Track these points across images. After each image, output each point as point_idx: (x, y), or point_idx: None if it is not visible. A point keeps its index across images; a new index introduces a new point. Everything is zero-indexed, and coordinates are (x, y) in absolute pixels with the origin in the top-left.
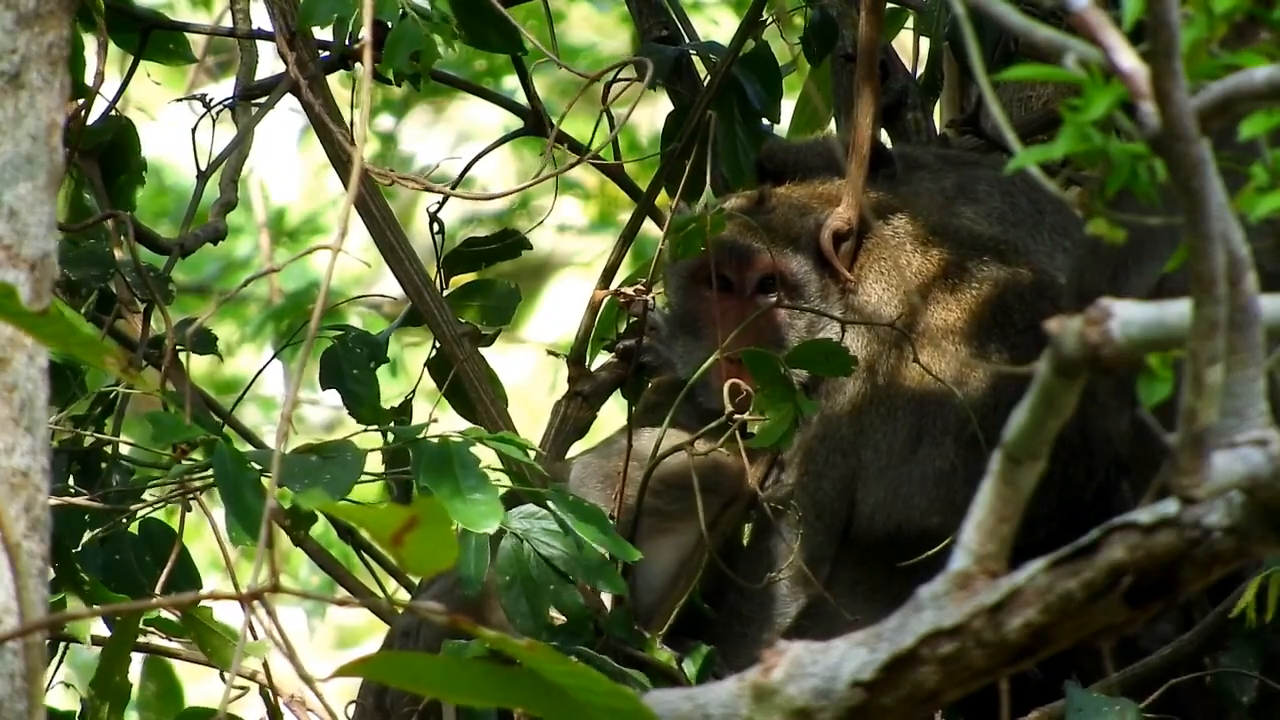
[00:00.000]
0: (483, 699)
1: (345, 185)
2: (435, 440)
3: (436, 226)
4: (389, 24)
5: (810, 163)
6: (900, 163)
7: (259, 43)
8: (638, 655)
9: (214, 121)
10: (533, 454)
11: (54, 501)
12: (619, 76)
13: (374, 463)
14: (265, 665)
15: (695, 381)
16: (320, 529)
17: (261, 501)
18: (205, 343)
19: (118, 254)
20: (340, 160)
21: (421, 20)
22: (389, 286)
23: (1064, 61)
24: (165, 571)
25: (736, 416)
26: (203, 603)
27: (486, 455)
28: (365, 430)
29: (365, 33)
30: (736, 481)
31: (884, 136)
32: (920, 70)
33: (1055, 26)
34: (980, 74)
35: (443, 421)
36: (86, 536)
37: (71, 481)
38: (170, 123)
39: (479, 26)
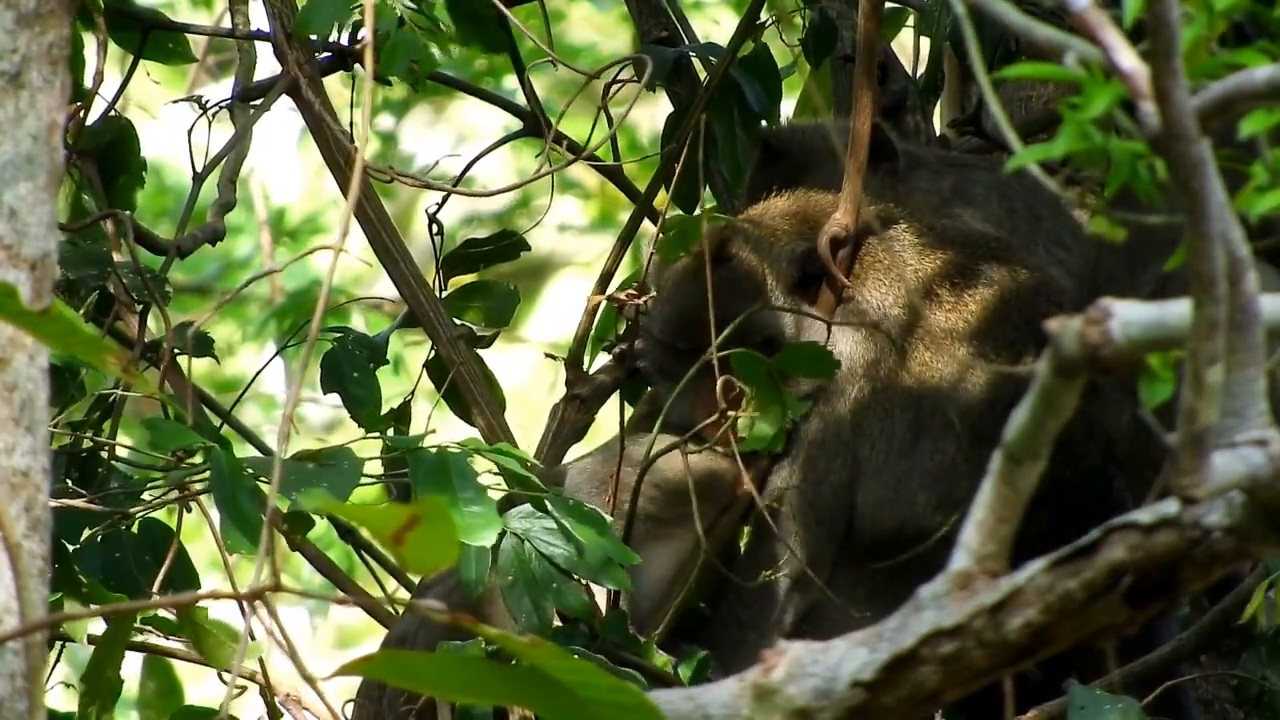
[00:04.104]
0: (485, 696)
1: (341, 186)
2: (433, 450)
3: (435, 227)
4: (387, 31)
5: (815, 144)
6: (903, 159)
7: (259, 43)
8: (633, 660)
9: (210, 123)
10: (529, 465)
11: (54, 503)
12: (618, 77)
13: (372, 468)
14: (262, 665)
15: (669, 408)
16: (321, 531)
17: (258, 509)
18: (203, 346)
19: (115, 255)
20: (336, 161)
21: (418, 29)
22: (390, 286)
23: (1064, 60)
24: (163, 571)
25: (730, 414)
26: (203, 602)
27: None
28: (363, 437)
29: (365, 33)
30: (733, 487)
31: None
32: (921, 70)
33: (1055, 26)
34: (981, 73)
35: (442, 423)
36: (85, 535)
37: (70, 485)
38: (170, 122)
39: (475, 25)
